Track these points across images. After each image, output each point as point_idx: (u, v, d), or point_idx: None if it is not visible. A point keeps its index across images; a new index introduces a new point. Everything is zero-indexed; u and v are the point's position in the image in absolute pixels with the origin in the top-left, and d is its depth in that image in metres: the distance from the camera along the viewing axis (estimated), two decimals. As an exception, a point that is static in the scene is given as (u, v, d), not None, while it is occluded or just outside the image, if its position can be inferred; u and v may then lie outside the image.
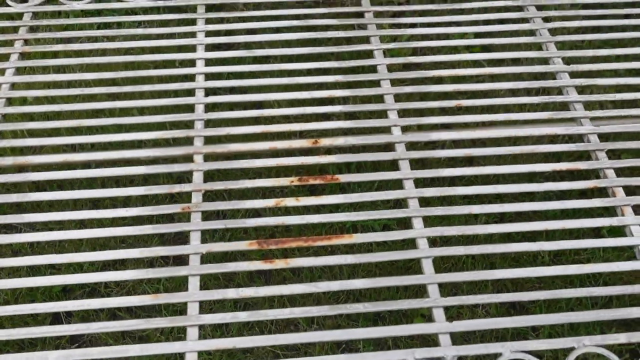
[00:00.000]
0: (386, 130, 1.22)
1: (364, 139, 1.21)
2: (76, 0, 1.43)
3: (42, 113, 1.48)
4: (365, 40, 1.37)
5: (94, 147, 1.21)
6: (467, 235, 1.10)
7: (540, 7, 1.44)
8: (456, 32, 1.41)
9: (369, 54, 1.35)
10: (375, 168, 1.34)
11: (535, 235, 1.11)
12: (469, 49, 1.55)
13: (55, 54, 1.52)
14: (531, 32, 1.41)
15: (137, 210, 1.08)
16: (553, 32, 1.40)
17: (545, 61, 1.37)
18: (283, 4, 1.46)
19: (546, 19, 1.44)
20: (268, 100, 1.26)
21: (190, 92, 1.25)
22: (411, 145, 1.20)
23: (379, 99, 1.27)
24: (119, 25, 1.48)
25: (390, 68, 1.31)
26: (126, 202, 1.36)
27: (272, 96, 1.27)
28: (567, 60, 1.36)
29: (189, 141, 1.18)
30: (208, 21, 1.39)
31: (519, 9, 1.45)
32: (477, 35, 1.46)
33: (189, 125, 1.23)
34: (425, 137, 1.22)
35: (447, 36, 1.40)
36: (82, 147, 1.32)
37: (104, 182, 1.42)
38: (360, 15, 1.43)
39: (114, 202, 1.36)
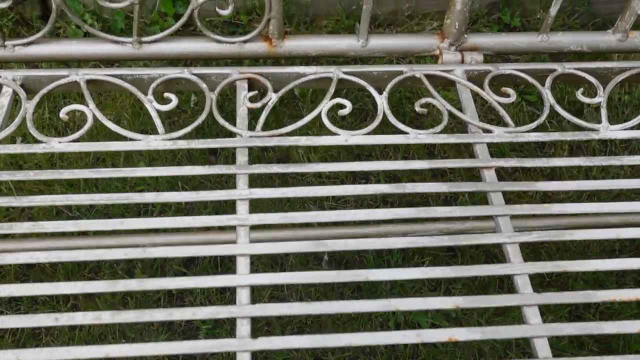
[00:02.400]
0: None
1: None
2: (57, 136, 0.96)
3: None
4: (491, 229, 0.92)
5: None
6: None
7: None
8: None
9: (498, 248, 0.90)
10: None
11: None
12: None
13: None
14: None
15: None
16: None
17: None
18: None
19: None
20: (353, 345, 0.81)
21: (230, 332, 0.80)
22: None
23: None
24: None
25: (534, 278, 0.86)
26: None
27: (361, 337, 0.82)
28: None
29: None
30: (254, 207, 0.92)
31: None
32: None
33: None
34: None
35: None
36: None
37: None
38: (475, 176, 0.97)
39: None
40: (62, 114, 0.98)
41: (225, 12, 1.04)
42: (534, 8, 2.32)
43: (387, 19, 2.31)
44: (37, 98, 1.00)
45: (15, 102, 1.02)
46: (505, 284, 1.30)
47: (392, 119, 1.01)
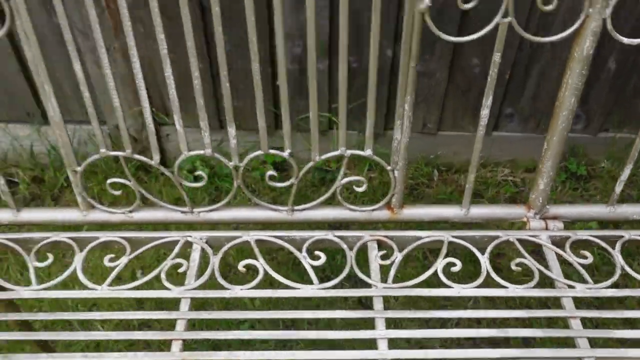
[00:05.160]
0: None
1: None
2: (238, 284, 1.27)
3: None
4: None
5: None
6: None
7: None
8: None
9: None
10: None
11: None
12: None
13: None
14: None
15: None
16: None
17: None
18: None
19: None
20: None
21: None
22: None
23: None
24: None
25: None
26: None
27: None
28: None
29: None
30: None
31: None
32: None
33: None
34: None
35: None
36: None
37: None
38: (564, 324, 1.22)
39: None
40: (240, 266, 1.29)
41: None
42: (598, 158, 2.61)
43: (462, 167, 2.64)
44: (220, 254, 1.32)
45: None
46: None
47: (494, 276, 1.28)
